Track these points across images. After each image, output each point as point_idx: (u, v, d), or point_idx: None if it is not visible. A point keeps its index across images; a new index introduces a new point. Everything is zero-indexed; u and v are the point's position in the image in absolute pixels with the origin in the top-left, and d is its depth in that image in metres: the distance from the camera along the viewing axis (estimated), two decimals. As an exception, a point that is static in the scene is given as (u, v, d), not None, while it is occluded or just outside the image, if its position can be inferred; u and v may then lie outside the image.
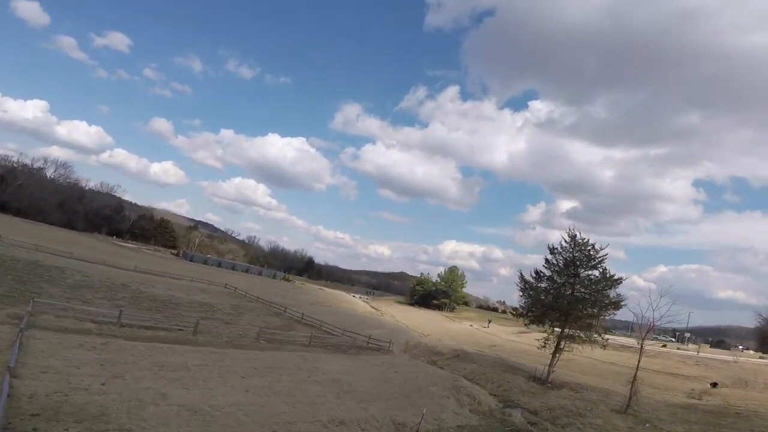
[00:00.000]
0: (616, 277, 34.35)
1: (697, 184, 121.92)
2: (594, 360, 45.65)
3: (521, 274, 37.67)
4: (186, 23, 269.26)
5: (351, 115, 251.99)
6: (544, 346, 35.36)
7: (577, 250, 35.26)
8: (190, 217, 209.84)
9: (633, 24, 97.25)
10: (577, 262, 35.48)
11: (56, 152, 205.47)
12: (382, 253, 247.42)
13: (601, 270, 34.92)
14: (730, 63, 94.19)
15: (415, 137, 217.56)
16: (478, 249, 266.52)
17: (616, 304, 34.04)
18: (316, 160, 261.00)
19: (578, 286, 35.37)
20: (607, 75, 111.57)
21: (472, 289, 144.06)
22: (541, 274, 37.32)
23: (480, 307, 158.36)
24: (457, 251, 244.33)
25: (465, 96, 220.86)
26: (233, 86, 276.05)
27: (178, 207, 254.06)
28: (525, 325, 39.61)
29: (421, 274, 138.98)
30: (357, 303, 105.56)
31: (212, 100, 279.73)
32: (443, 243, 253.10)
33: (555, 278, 36.67)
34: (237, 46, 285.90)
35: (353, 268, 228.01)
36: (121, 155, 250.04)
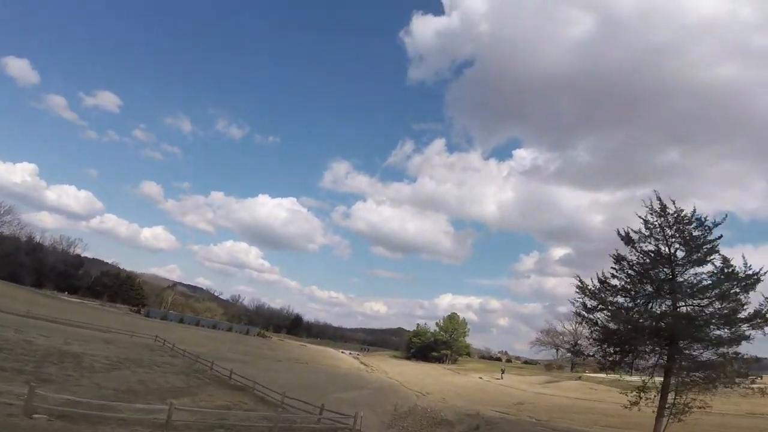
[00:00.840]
0: (751, 272, 19.04)
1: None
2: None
3: (580, 282, 21.65)
4: (175, 82, 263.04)
5: (340, 172, 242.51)
6: (637, 404, 19.30)
7: (674, 234, 20.18)
8: (181, 281, 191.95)
9: (606, 65, 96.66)
10: (672, 255, 20.37)
11: (46, 218, 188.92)
12: (378, 311, 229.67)
13: (720, 265, 19.57)
14: (702, 97, 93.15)
15: (405, 192, 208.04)
16: (475, 301, 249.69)
17: (764, 318, 18.29)
18: (308, 221, 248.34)
19: (680, 295, 19.98)
20: (586, 118, 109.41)
21: (472, 340, 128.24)
22: (609, 284, 21.82)
23: (483, 357, 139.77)
24: (453, 304, 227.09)
25: (451, 148, 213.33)
26: (223, 147, 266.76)
27: (170, 272, 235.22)
28: (604, 372, 23.80)
29: (418, 324, 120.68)
30: (343, 359, 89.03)
31: (202, 161, 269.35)
32: (439, 297, 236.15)
33: (637, 286, 21.22)
34: (226, 105, 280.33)
35: (349, 327, 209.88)
36: (111, 221, 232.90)
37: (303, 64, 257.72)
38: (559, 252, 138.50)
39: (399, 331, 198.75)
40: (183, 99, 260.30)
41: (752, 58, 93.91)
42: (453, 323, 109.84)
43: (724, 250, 19.61)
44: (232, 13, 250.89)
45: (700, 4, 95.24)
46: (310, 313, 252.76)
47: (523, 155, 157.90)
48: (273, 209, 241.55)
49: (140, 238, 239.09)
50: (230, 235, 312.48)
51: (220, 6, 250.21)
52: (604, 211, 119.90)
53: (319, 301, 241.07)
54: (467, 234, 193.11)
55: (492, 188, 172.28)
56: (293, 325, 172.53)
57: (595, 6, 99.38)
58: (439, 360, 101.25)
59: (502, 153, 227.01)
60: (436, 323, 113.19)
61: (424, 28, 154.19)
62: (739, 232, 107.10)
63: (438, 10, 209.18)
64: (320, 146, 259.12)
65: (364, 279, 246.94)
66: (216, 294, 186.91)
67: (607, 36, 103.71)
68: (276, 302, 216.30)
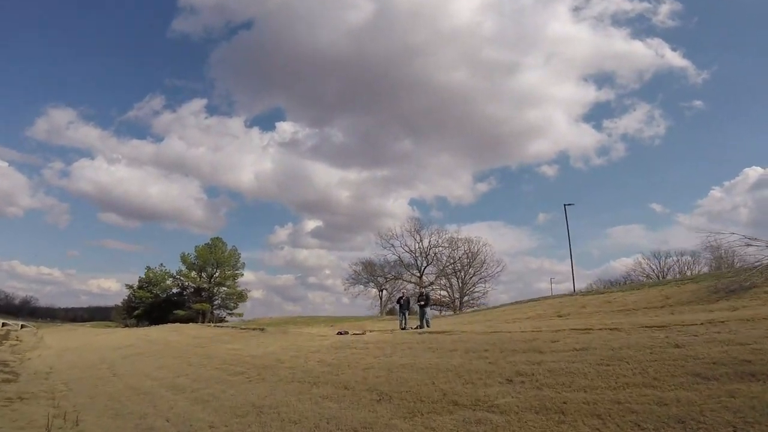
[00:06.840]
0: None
1: (412, 202, 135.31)
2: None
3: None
4: None
5: (60, 121, 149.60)
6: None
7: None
8: None
9: (370, 54, 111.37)
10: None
11: None
12: (108, 288, 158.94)
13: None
14: (438, 97, 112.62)
15: (147, 151, 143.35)
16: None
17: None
18: (7, 176, 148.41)
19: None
20: (345, 99, 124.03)
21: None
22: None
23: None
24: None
25: (211, 110, 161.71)
26: None
27: None
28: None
29: (149, 268, 65.82)
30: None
31: None
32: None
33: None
34: None
35: (67, 306, 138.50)
36: None
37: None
38: (311, 224, 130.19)
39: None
40: None
41: (479, 67, 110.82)
42: (214, 253, 62.51)
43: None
44: None
45: (456, 14, 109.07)
46: (11, 293, 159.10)
47: (285, 128, 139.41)
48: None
49: None
50: None
51: None
52: (350, 188, 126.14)
53: (23, 278, 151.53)
54: (222, 202, 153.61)
55: (251, 157, 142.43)
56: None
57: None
58: (192, 319, 55.15)
59: (265, 123, 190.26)
60: (182, 256, 63.41)
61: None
62: (448, 214, 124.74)
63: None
64: (33, 85, 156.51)
65: (88, 251, 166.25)
66: None
67: (380, 27, 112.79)
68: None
